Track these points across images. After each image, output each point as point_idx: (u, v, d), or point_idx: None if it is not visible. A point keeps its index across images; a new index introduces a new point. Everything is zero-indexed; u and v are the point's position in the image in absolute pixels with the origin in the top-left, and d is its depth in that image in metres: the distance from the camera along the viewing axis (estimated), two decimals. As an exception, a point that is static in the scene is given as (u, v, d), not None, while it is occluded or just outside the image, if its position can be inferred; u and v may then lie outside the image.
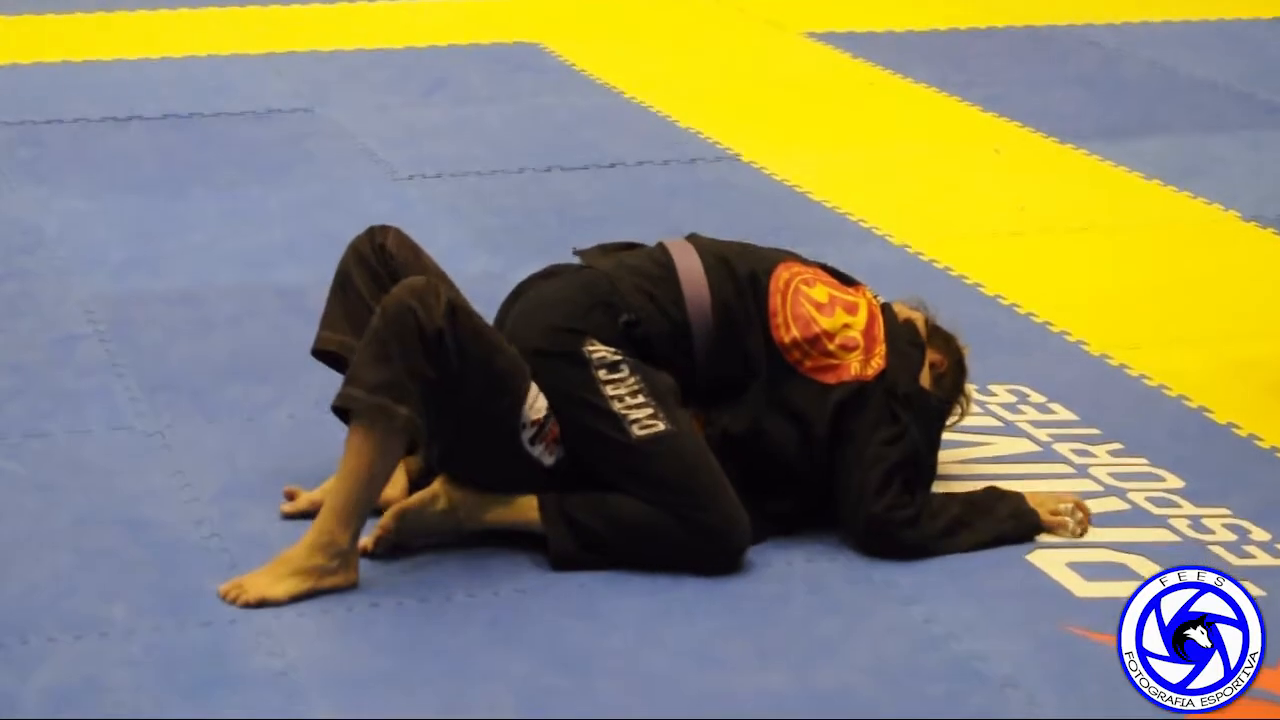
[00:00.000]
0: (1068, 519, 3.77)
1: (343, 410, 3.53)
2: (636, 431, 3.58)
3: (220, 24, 7.82)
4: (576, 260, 3.86)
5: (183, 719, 3.12)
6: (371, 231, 3.87)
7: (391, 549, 3.61)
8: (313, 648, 3.34)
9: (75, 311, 4.78)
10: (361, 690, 3.22)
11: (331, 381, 3.70)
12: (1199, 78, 7.36)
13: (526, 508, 3.60)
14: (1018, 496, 3.79)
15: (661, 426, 3.58)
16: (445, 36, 7.71)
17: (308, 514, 3.63)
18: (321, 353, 3.84)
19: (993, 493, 3.80)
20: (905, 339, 3.81)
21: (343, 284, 3.82)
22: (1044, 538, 3.75)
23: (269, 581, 3.45)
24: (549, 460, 3.61)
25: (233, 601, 3.43)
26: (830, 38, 7.82)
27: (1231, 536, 3.78)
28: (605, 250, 3.88)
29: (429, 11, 8.19)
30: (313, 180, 5.90)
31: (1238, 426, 4.28)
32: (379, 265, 3.80)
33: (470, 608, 3.48)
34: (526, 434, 3.58)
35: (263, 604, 3.42)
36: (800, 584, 3.60)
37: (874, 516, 3.64)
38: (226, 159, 6.08)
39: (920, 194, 5.92)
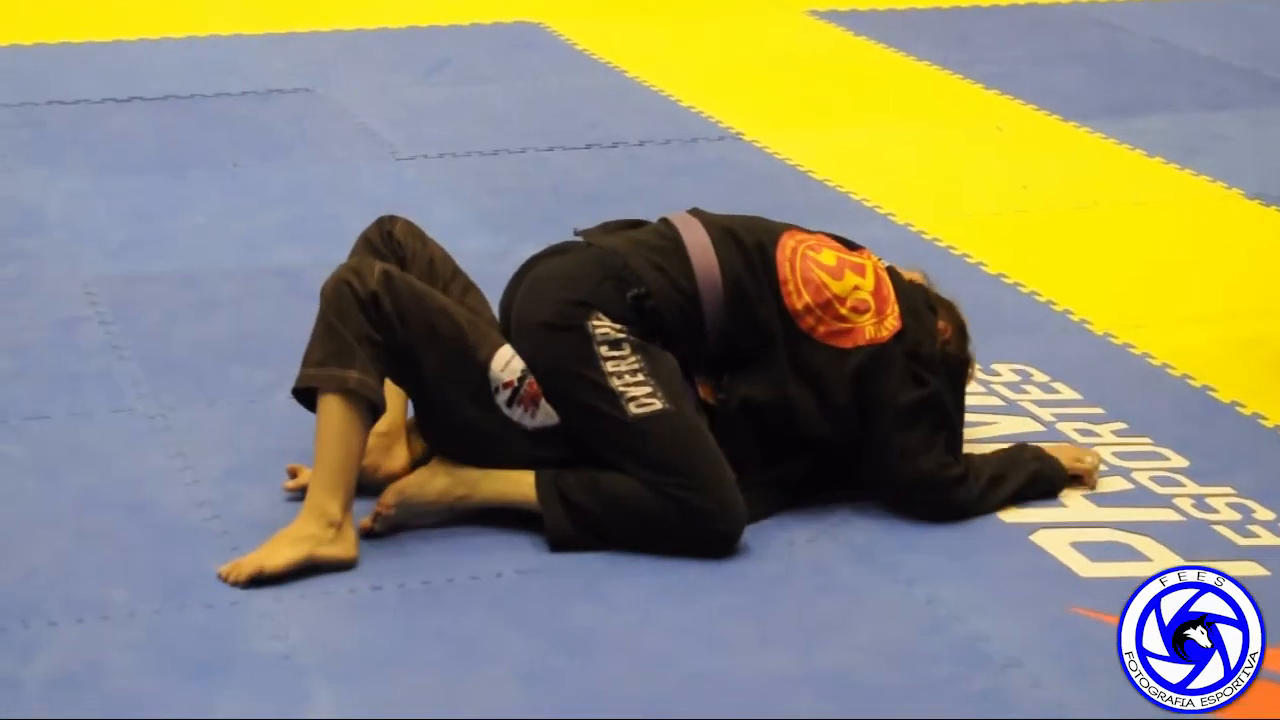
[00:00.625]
0: (1089, 464, 3.83)
1: (303, 393, 3.57)
2: (633, 409, 3.57)
3: (221, 4, 7.81)
4: (581, 239, 3.85)
5: (185, 704, 3.12)
6: (380, 221, 3.91)
7: (391, 527, 3.61)
8: (315, 630, 3.34)
9: (76, 293, 4.77)
10: (364, 672, 3.22)
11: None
12: (1202, 55, 7.35)
13: (523, 485, 3.60)
14: (1038, 446, 3.85)
15: (659, 405, 3.57)
16: (446, 16, 7.70)
17: (311, 492, 3.63)
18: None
19: (1016, 446, 3.86)
20: (919, 300, 3.82)
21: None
22: (1046, 517, 3.74)
23: (265, 554, 3.45)
24: (530, 423, 3.60)
25: (234, 582, 3.42)
26: (833, 15, 7.81)
27: (1235, 516, 3.77)
28: (608, 228, 3.87)
29: (430, -10, 8.18)
30: (314, 161, 5.89)
31: (1242, 405, 4.27)
32: (388, 253, 3.82)
33: (472, 589, 3.47)
34: (501, 397, 3.58)
35: (260, 573, 3.42)
36: (802, 564, 3.59)
37: (926, 475, 3.66)
38: (227, 139, 6.07)
39: (923, 172, 5.91)
